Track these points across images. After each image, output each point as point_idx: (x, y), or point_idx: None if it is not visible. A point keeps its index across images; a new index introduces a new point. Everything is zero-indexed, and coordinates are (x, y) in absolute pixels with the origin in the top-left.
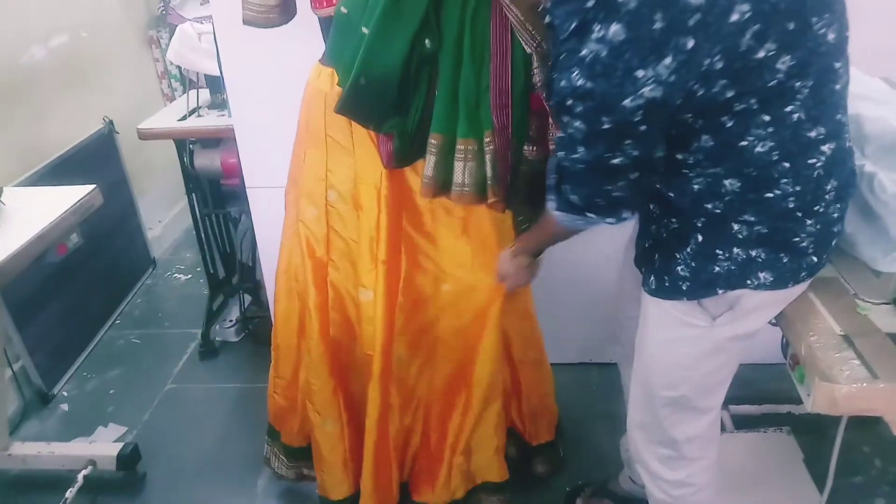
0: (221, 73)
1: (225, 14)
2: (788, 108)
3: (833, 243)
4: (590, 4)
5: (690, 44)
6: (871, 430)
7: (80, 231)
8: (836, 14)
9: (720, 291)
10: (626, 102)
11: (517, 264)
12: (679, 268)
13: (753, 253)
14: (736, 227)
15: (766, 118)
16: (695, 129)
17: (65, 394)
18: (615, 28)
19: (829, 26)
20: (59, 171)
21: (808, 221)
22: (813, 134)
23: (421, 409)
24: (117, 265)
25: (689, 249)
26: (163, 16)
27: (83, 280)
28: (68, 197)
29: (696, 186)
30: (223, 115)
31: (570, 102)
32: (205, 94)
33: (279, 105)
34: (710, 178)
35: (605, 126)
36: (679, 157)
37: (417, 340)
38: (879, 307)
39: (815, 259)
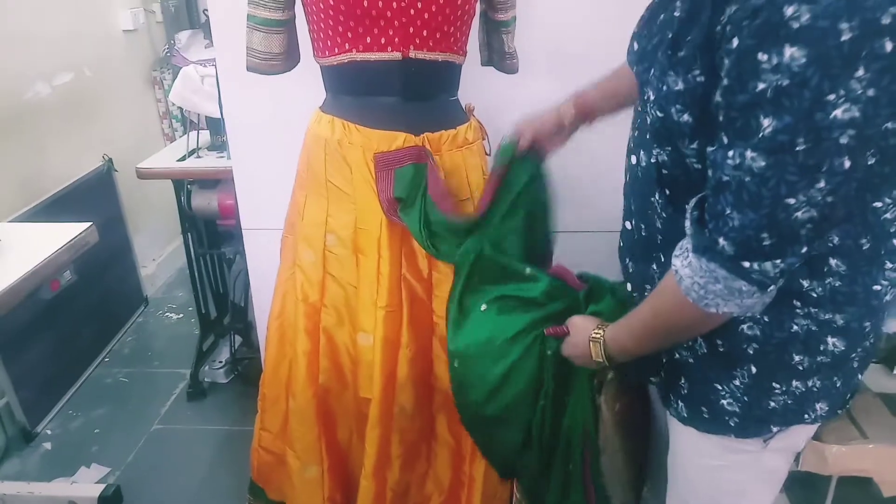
0: (222, 115)
1: (228, 58)
2: None
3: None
4: None
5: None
6: (863, 487)
7: (73, 268)
8: None
9: (774, 429)
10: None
11: (589, 349)
12: (725, 402)
13: (810, 383)
14: (797, 357)
15: None
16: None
17: (48, 432)
18: None
19: None
20: (56, 207)
21: (871, 335)
22: None
23: (423, 463)
24: (109, 302)
25: (737, 382)
26: (167, 57)
27: (73, 316)
28: (64, 234)
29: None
30: (222, 157)
31: (789, 11)
32: (205, 136)
33: (278, 149)
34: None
35: (844, 36)
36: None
37: (423, 393)
38: (870, 367)
39: (859, 378)
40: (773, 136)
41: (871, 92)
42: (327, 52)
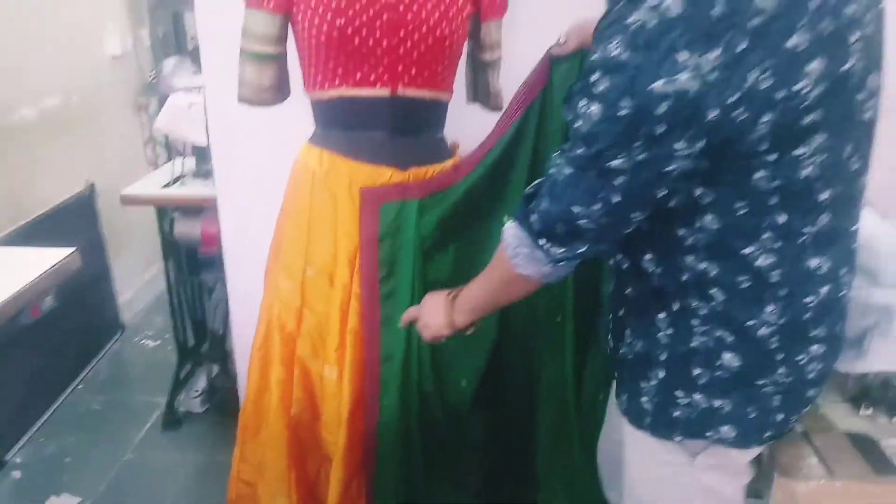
0: (209, 142)
1: (217, 86)
2: (800, 223)
3: (804, 411)
4: None
5: (743, 45)
6: None
7: (54, 294)
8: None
9: (677, 439)
10: (657, 85)
11: (446, 312)
12: (643, 399)
13: (717, 403)
14: (697, 370)
15: (781, 220)
16: (700, 204)
17: (18, 460)
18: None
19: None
20: (38, 230)
21: (782, 370)
22: (815, 264)
23: None
24: (85, 328)
25: (652, 383)
26: (153, 84)
27: (48, 342)
28: (46, 258)
29: (685, 276)
30: (207, 185)
31: (596, 77)
32: (190, 163)
33: (264, 178)
34: (700, 275)
35: (623, 112)
36: (679, 233)
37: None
38: (838, 405)
39: (780, 417)
40: (575, 159)
41: (641, 157)
42: (318, 87)
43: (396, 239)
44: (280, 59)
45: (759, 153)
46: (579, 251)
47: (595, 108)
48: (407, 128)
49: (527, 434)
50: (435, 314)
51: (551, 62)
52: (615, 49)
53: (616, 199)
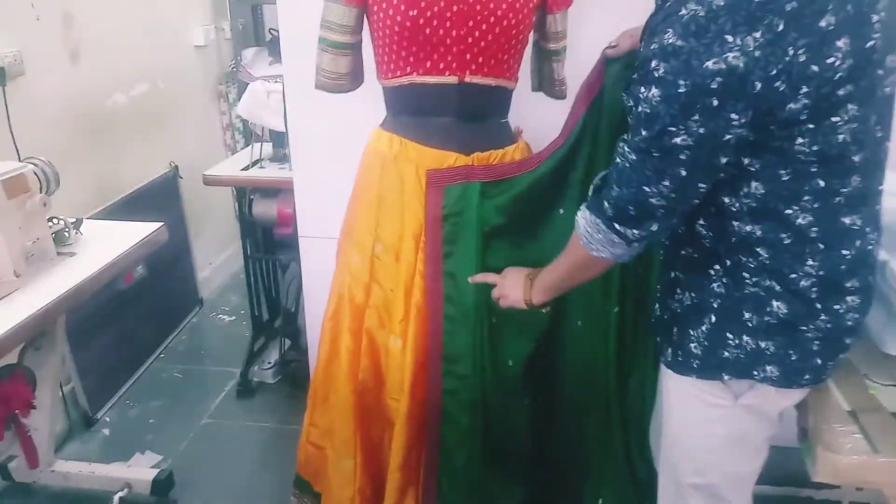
0: (287, 128)
1: (295, 75)
2: (837, 184)
3: (840, 357)
4: None
5: (780, 26)
6: None
7: (144, 263)
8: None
9: (726, 377)
10: (709, 64)
11: (525, 289)
12: (692, 345)
13: (763, 344)
14: (747, 314)
15: (820, 184)
16: (750, 171)
17: (107, 419)
18: None
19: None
20: (127, 207)
21: (823, 317)
22: (848, 221)
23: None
24: (168, 302)
25: (703, 328)
26: (233, 72)
27: (135, 313)
28: (138, 232)
29: (733, 238)
30: (283, 168)
31: (654, 64)
32: (267, 148)
33: (337, 162)
34: (747, 236)
35: (681, 89)
36: (726, 200)
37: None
38: (888, 388)
39: (818, 362)
40: (640, 141)
41: (701, 130)
42: (390, 75)
43: (460, 219)
44: (355, 48)
45: (800, 121)
46: (653, 229)
47: (655, 91)
48: (472, 114)
49: (571, 424)
50: (514, 288)
51: (606, 62)
52: (670, 38)
53: (683, 173)
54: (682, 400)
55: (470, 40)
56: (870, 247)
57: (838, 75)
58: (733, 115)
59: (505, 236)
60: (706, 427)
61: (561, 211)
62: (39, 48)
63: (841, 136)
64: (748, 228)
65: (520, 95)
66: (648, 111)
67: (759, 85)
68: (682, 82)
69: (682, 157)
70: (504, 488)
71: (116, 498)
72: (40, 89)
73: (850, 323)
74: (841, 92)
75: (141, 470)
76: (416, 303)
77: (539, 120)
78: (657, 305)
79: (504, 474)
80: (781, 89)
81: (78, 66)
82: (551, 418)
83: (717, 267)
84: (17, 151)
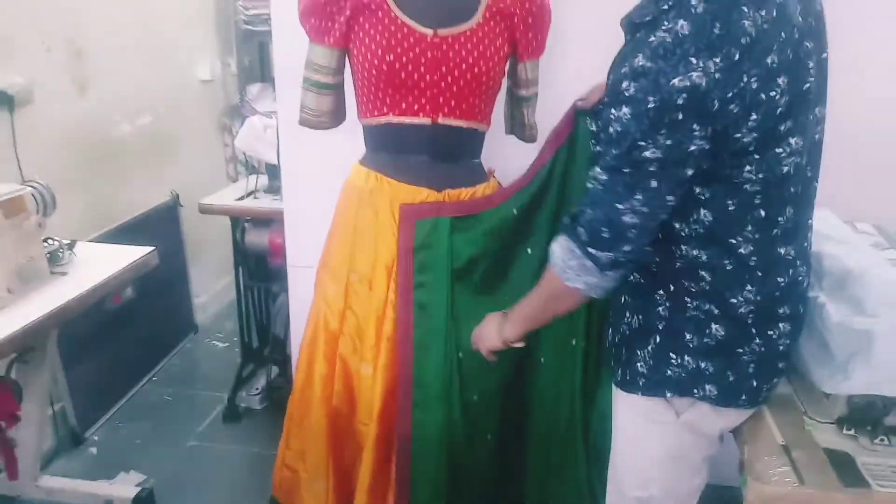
0: (279, 161)
1: (289, 110)
2: (774, 214)
3: (774, 381)
4: (665, 7)
5: (737, 56)
6: None
7: (134, 286)
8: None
9: (668, 395)
10: (675, 81)
11: (498, 327)
12: (639, 364)
13: (703, 365)
14: (688, 336)
15: (762, 213)
16: (700, 199)
17: (95, 438)
18: (682, 23)
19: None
20: (127, 232)
21: (757, 340)
22: (783, 251)
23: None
24: (163, 326)
25: (649, 348)
26: (238, 107)
27: (130, 336)
28: (129, 255)
29: (678, 263)
30: (277, 199)
31: (625, 85)
32: (263, 180)
33: (325, 194)
34: (692, 260)
35: (650, 105)
36: (677, 226)
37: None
38: (824, 425)
39: (754, 384)
40: (611, 160)
41: (668, 142)
42: (368, 114)
43: (430, 251)
44: (337, 89)
45: (749, 151)
46: (626, 250)
47: (625, 110)
48: (445, 153)
49: (536, 455)
50: (489, 328)
51: (576, 114)
52: (640, 60)
53: (653, 184)
54: (628, 416)
55: (443, 85)
56: (800, 277)
57: (779, 110)
58: (695, 127)
59: (474, 272)
60: (649, 442)
61: (528, 251)
62: (49, 78)
63: (784, 168)
64: (695, 252)
65: (493, 137)
66: (619, 129)
67: (717, 104)
68: (651, 98)
69: (652, 168)
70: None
71: None
72: (48, 117)
73: (781, 348)
74: (782, 127)
75: (123, 487)
76: (387, 333)
77: (511, 161)
78: (610, 330)
79: (470, 500)
80: (735, 111)
81: (86, 96)
82: (517, 449)
83: (662, 292)
84: (22, 175)
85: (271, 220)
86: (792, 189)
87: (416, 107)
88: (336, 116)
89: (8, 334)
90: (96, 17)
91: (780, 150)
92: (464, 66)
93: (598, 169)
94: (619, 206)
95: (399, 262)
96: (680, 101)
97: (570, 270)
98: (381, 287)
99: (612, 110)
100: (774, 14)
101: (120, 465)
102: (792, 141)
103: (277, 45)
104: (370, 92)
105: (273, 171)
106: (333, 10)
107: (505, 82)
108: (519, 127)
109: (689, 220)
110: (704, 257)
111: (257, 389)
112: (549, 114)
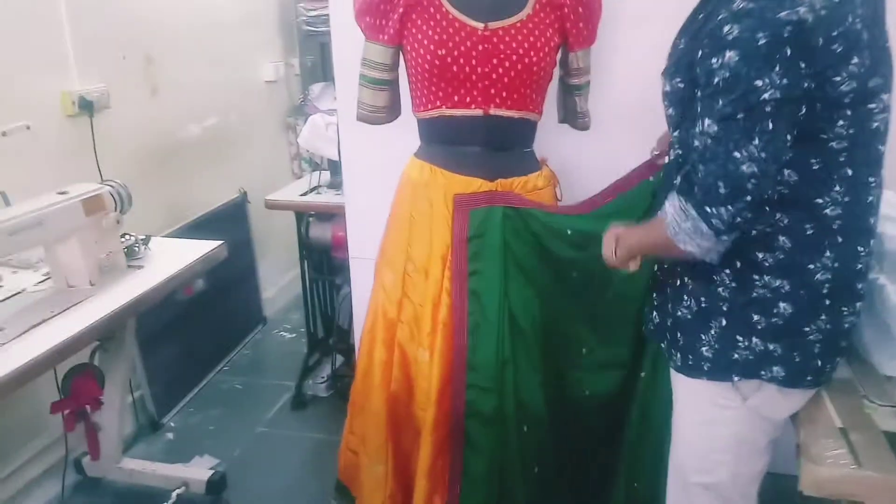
0: (340, 158)
1: (349, 109)
2: (866, 175)
3: (837, 360)
4: None
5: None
6: None
7: (205, 278)
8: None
9: (735, 378)
10: (783, 14)
11: (610, 245)
12: (704, 349)
13: (771, 346)
14: (756, 317)
15: (848, 173)
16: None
17: (172, 424)
18: None
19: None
20: (198, 228)
21: (823, 317)
22: (872, 221)
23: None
24: (233, 318)
25: (713, 332)
26: (301, 106)
27: (203, 327)
28: (199, 249)
29: (755, 231)
30: (339, 194)
31: (726, 29)
32: (326, 176)
33: (384, 188)
34: (772, 227)
35: (761, 41)
36: None
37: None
38: (885, 408)
39: (818, 364)
40: (723, 108)
41: (783, 81)
42: (422, 108)
43: (483, 240)
44: (392, 85)
45: (844, 104)
46: (745, 203)
47: (731, 54)
48: (498, 143)
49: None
50: (607, 244)
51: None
52: (740, 4)
53: (770, 126)
54: (691, 402)
55: (494, 76)
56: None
57: (867, 62)
58: (802, 65)
59: (526, 263)
60: (713, 427)
61: (574, 274)
62: (124, 84)
63: (875, 123)
64: (777, 216)
65: (546, 126)
66: (728, 75)
67: (821, 41)
68: (760, 35)
69: (768, 109)
70: (525, 498)
71: (174, 495)
72: (123, 120)
73: (846, 325)
74: (871, 83)
75: (198, 470)
76: (443, 319)
77: (563, 149)
78: (654, 314)
79: (524, 485)
80: (839, 51)
81: (157, 100)
82: (573, 440)
83: (728, 271)
84: (101, 174)
85: (333, 215)
86: (881, 147)
87: (468, 99)
88: (392, 111)
89: (90, 324)
90: (165, 26)
91: (873, 105)
92: (514, 57)
93: (706, 122)
94: (737, 155)
95: (453, 251)
96: (787, 35)
97: (682, 233)
98: (436, 275)
99: (714, 59)
100: None
101: (195, 450)
102: (884, 97)
103: (336, 44)
104: (423, 86)
105: (335, 167)
106: (387, 8)
107: (556, 72)
108: (571, 115)
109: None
110: (786, 220)
111: (323, 378)
112: (601, 101)
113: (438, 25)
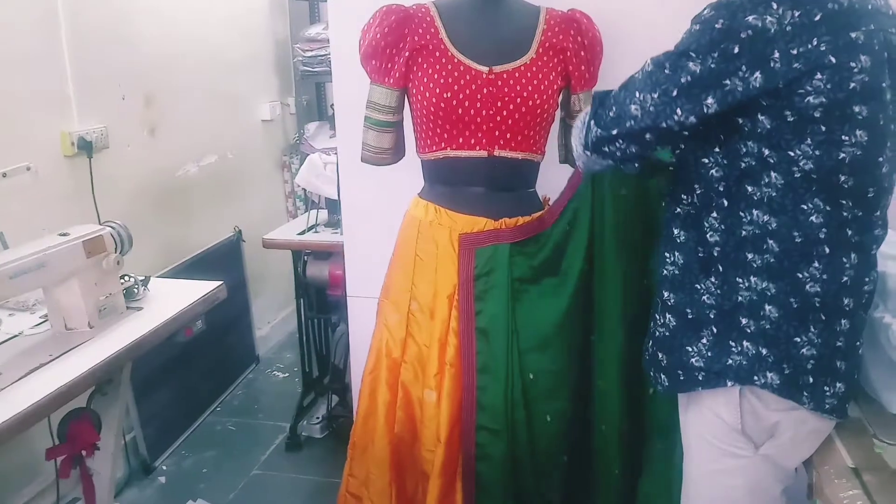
0: (339, 197)
1: (348, 148)
2: (846, 196)
3: (837, 386)
4: None
5: (818, 17)
6: None
7: (204, 318)
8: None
9: (729, 384)
10: (749, 17)
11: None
12: (693, 360)
13: (764, 351)
14: (744, 320)
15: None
16: (770, 163)
17: (164, 467)
18: None
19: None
20: (194, 268)
21: (813, 329)
22: (850, 232)
23: None
24: (226, 358)
25: (703, 341)
26: (296, 144)
27: (195, 368)
28: (198, 290)
29: (744, 232)
30: (336, 233)
31: (707, 11)
32: (323, 215)
33: (383, 226)
34: (761, 229)
35: (717, 25)
36: (749, 189)
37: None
38: (894, 447)
39: (810, 380)
40: (659, 58)
41: (712, 65)
42: (427, 149)
43: (490, 278)
44: (397, 126)
45: (814, 119)
46: (607, 138)
47: (696, 27)
48: (501, 184)
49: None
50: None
51: None
52: None
53: (674, 91)
54: (702, 453)
55: (498, 119)
56: (866, 279)
57: (853, 85)
58: (743, 67)
59: (533, 287)
60: (726, 478)
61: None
62: (123, 124)
63: (841, 154)
64: (766, 218)
65: (548, 166)
66: (684, 38)
67: (777, 53)
68: (720, 22)
69: (683, 80)
70: None
71: None
72: (121, 160)
73: (839, 345)
74: (856, 108)
75: None
76: (450, 359)
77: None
78: (649, 342)
79: None
80: (798, 68)
81: (155, 139)
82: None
83: (712, 278)
84: (98, 215)
85: (330, 253)
86: (842, 178)
87: (472, 140)
88: (396, 153)
89: (90, 368)
90: (165, 67)
91: (846, 137)
92: (518, 100)
93: (649, 60)
94: (636, 95)
95: (460, 290)
96: (743, 36)
97: (574, 128)
98: (442, 315)
99: (690, 26)
100: (869, 7)
101: (188, 494)
102: (859, 133)
103: (337, 85)
104: (428, 128)
105: (332, 206)
106: (393, 51)
107: (558, 113)
108: (572, 156)
109: (761, 182)
110: (774, 225)
111: (318, 418)
112: None
113: (444, 69)
